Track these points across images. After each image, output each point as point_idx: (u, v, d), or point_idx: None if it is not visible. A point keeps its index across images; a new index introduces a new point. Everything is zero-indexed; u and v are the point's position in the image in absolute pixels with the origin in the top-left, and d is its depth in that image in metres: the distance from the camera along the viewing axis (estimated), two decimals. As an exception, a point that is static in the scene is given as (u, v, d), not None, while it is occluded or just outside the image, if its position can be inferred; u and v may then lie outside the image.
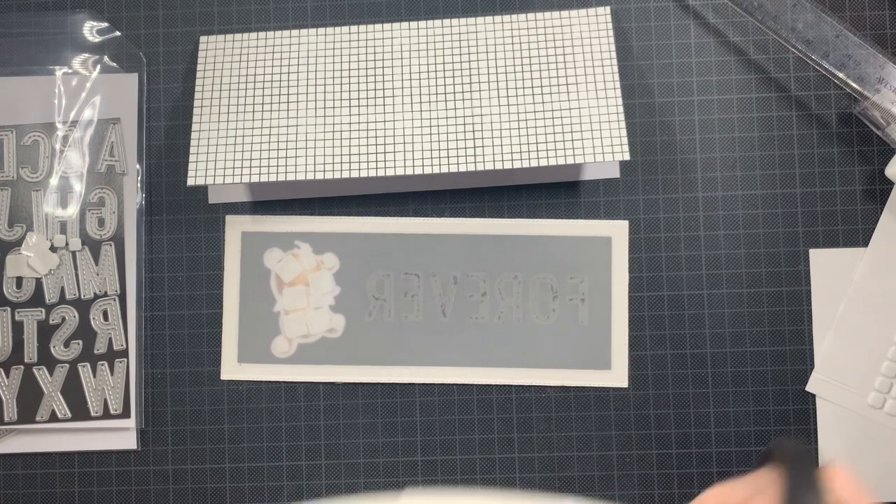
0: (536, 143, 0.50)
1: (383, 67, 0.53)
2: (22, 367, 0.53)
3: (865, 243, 0.52)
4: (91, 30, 0.55)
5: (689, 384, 0.52)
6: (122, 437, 0.53)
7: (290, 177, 0.50)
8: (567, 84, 0.51)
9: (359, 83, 0.52)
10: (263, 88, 0.52)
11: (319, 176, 0.50)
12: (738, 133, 0.53)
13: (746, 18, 0.53)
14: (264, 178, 0.50)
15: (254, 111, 0.52)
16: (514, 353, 0.52)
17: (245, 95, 0.52)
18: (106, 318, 0.53)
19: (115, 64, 0.54)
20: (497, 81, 0.52)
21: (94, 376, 0.53)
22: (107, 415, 0.53)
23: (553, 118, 0.50)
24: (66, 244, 0.53)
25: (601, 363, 0.52)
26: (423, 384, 0.53)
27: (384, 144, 0.51)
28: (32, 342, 0.53)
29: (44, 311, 0.53)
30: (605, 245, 0.53)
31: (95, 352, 0.53)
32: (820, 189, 0.53)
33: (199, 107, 0.52)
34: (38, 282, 0.53)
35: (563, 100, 0.51)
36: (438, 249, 0.53)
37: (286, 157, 0.51)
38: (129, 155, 0.54)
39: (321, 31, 0.54)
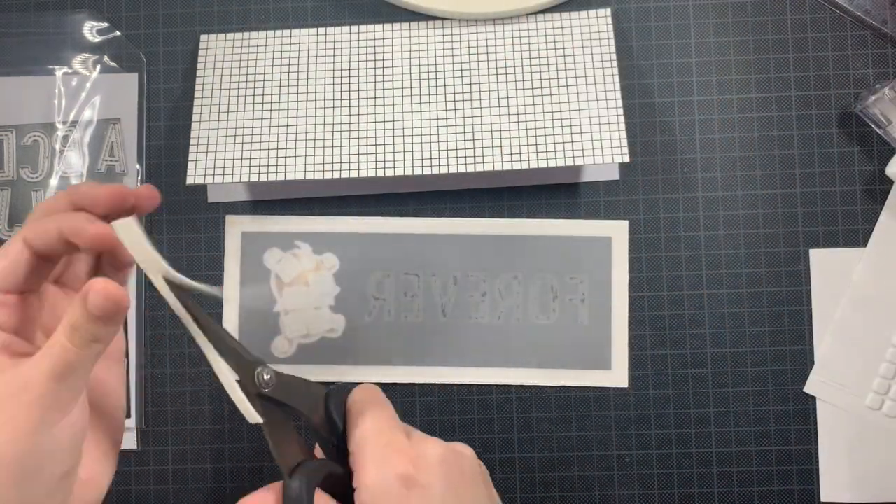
0: (536, 144, 0.50)
1: (383, 67, 0.53)
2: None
3: (865, 243, 0.52)
4: (91, 30, 0.55)
5: (689, 384, 0.52)
6: (122, 436, 0.53)
7: (290, 177, 0.50)
8: (567, 86, 0.51)
9: (359, 83, 0.52)
10: (263, 88, 0.52)
11: (319, 176, 0.50)
12: (738, 133, 0.53)
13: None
14: (264, 178, 0.50)
15: (253, 111, 0.52)
16: (514, 353, 0.52)
17: (245, 95, 0.52)
18: (106, 318, 0.53)
19: (115, 64, 0.54)
20: (497, 82, 0.51)
21: (95, 376, 0.53)
22: (107, 415, 0.53)
23: (553, 120, 0.50)
24: (67, 244, 0.53)
25: (601, 363, 0.52)
26: (423, 384, 0.53)
27: (384, 144, 0.50)
28: (33, 342, 0.53)
29: (44, 311, 0.53)
30: (605, 245, 0.53)
31: (96, 352, 0.53)
32: (820, 189, 0.53)
33: (198, 106, 0.52)
34: (39, 282, 0.53)
35: (563, 102, 0.51)
36: (438, 249, 0.53)
37: (286, 157, 0.50)
38: (129, 155, 0.54)
39: (321, 31, 0.54)
